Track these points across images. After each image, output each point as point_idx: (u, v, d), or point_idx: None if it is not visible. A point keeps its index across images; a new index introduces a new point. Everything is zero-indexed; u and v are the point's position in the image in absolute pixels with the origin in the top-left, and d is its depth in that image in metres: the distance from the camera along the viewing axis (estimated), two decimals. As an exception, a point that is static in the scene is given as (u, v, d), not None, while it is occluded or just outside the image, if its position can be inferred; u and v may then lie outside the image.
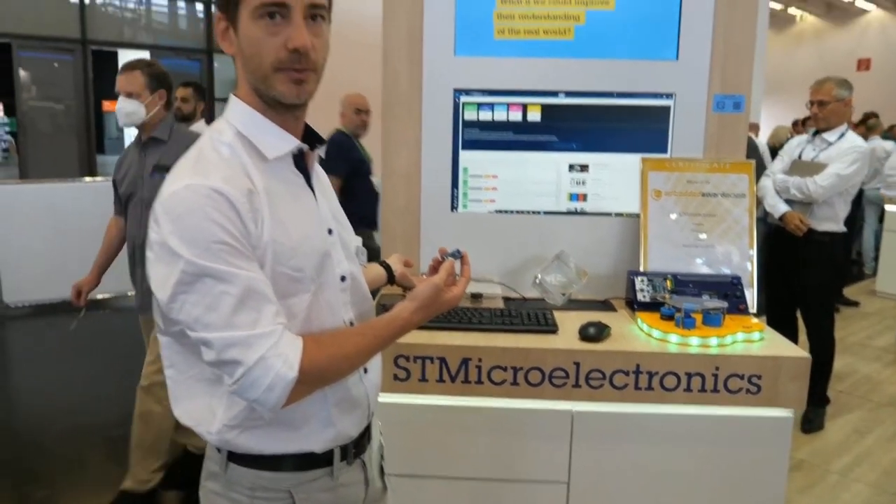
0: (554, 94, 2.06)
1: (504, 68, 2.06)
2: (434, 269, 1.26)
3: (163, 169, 2.33)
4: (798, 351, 1.74)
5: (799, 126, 7.56)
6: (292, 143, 1.09)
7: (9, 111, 17.39)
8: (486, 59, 2.06)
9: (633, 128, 2.07)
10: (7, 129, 17.81)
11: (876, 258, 6.43)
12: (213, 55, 9.77)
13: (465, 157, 2.11)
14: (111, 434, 3.24)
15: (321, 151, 1.19)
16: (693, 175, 2.05)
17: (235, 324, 0.95)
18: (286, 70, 1.02)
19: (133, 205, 2.53)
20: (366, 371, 1.21)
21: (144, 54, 10.40)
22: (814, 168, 3.31)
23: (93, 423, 3.39)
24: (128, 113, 2.45)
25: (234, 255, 0.96)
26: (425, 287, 1.14)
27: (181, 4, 9.70)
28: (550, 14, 2.02)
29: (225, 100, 7.53)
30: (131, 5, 9.28)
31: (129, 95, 2.45)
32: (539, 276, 2.00)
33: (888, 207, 5.88)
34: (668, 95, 2.04)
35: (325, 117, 2.34)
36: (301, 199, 1.11)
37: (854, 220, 5.72)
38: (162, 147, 2.46)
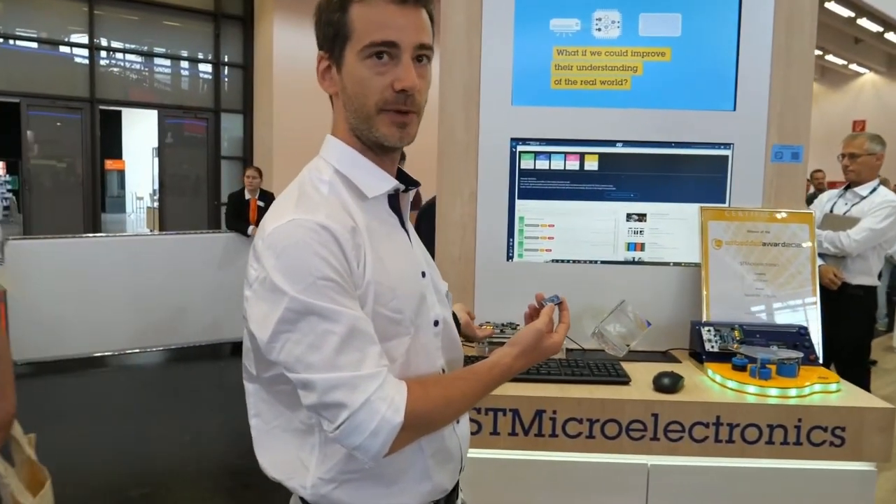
0: (612, 143, 2.07)
1: (561, 118, 2.07)
2: (531, 315, 1.24)
3: None
4: (881, 402, 1.70)
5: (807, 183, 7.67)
6: (390, 182, 1.07)
7: (12, 169, 17.49)
8: (543, 108, 2.07)
9: (691, 177, 2.07)
10: (9, 186, 17.90)
11: (889, 314, 6.43)
12: (220, 114, 9.90)
13: (522, 206, 2.10)
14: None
15: (412, 193, 1.17)
16: (753, 224, 2.04)
17: (340, 364, 0.90)
18: (389, 111, 1.01)
19: None
20: (458, 422, 1.17)
21: (153, 113, 10.55)
22: (846, 222, 3.32)
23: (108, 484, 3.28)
24: None
25: (339, 293, 0.93)
26: (527, 332, 1.10)
27: (196, 66, 9.86)
28: (608, 65, 2.05)
29: (231, 158, 7.63)
30: (139, 66, 9.43)
31: None
32: (599, 326, 1.96)
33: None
34: (727, 145, 2.05)
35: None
36: (396, 240, 1.09)
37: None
38: None
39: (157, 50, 9.48)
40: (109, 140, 16.36)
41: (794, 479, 1.68)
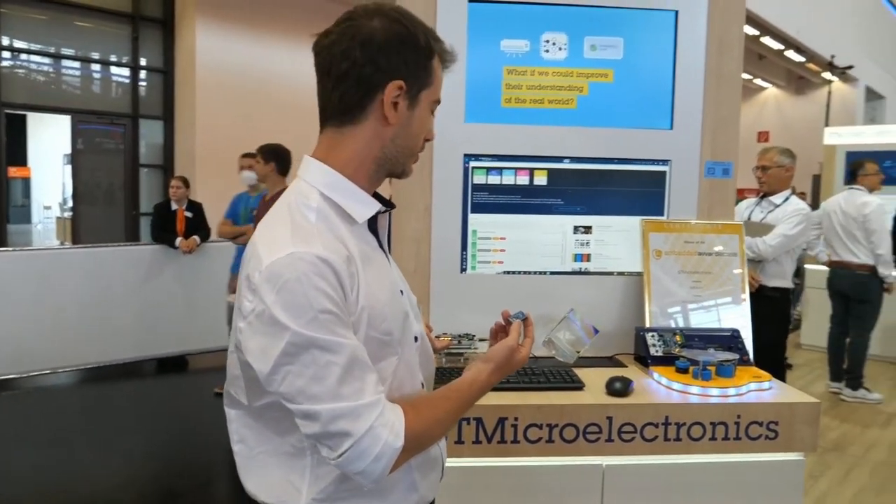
0: (559, 159, 2.17)
1: (512, 135, 2.15)
2: (496, 332, 1.30)
3: None
4: (808, 397, 1.86)
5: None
6: (375, 206, 1.11)
7: None
8: (494, 125, 2.15)
9: (633, 192, 2.20)
10: None
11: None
12: (138, 120, 9.55)
13: (474, 219, 2.17)
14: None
15: (388, 215, 1.22)
16: (689, 235, 2.18)
17: (342, 395, 0.94)
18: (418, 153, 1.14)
19: None
20: None
21: (64, 118, 10.05)
22: (763, 229, 3.57)
23: None
24: None
25: (338, 324, 0.96)
26: (500, 349, 1.17)
27: (110, 70, 9.48)
28: (555, 85, 2.15)
29: (150, 166, 7.37)
30: (49, 69, 8.98)
31: None
32: (550, 335, 2.05)
33: (808, 266, 6.36)
34: (665, 162, 2.19)
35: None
36: (378, 262, 1.12)
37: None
38: None
39: (69, 52, 9.05)
40: (13, 146, 15.43)
41: (735, 472, 1.82)
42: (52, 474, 3.54)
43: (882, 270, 4.71)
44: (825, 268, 5.18)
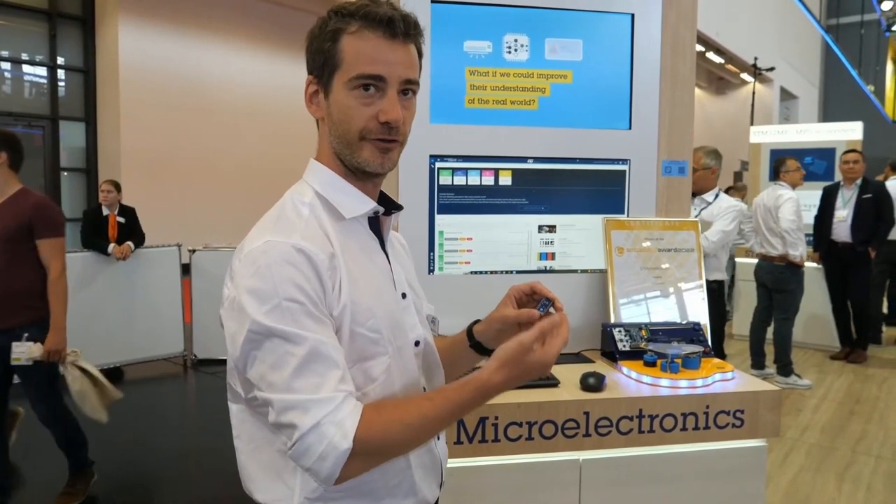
0: (523, 160, 2.19)
1: (476, 135, 2.16)
2: (521, 325, 1.18)
3: None
4: (769, 385, 1.94)
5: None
6: (369, 204, 1.11)
7: None
8: (459, 126, 2.15)
9: (595, 191, 2.25)
10: None
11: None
12: (58, 122, 9.10)
13: (441, 220, 2.17)
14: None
15: (396, 218, 1.20)
16: (650, 233, 2.25)
17: (295, 387, 0.93)
18: (373, 140, 1.04)
19: None
20: (437, 438, 1.20)
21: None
22: (703, 226, 3.72)
23: None
24: None
25: (305, 315, 0.95)
26: (510, 344, 1.01)
27: (25, 69, 8.98)
28: (518, 86, 2.17)
29: (73, 170, 7.07)
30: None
31: None
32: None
33: (738, 259, 6.64)
34: (624, 161, 2.25)
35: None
36: (375, 261, 1.12)
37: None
38: None
39: (-21, 50, 8.56)
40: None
41: (704, 460, 1.88)
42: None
43: (791, 252, 4.92)
44: (754, 260, 5.42)
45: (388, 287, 1.12)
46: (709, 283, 3.74)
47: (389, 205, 1.16)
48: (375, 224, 1.14)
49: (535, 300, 1.21)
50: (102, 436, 4.19)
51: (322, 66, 1.05)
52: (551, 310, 1.14)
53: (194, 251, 5.71)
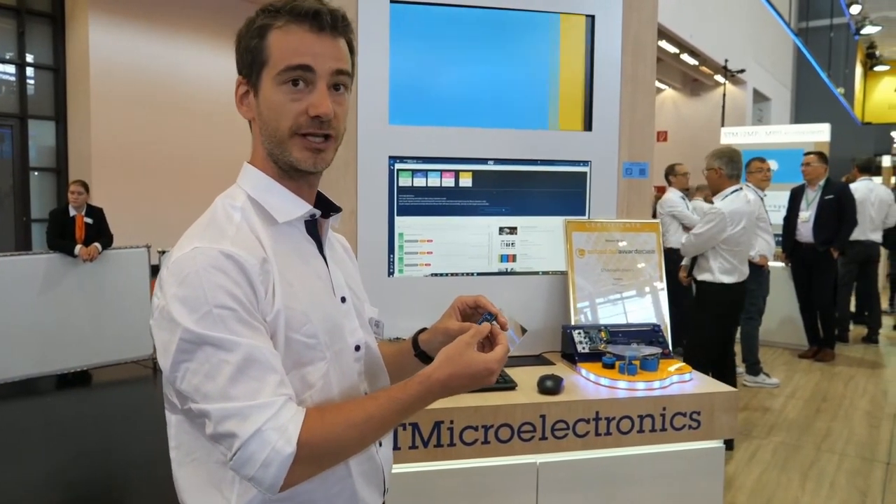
0: (484, 161, 2.18)
1: (436, 136, 2.15)
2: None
3: None
4: (726, 386, 1.95)
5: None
6: (304, 208, 1.09)
7: None
8: (418, 127, 2.14)
9: (556, 192, 2.25)
10: None
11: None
12: (27, 121, 8.93)
13: (401, 222, 2.15)
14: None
15: (335, 221, 1.18)
16: (610, 234, 2.25)
17: (232, 395, 0.91)
18: (303, 136, 1.03)
19: None
20: (380, 444, 1.19)
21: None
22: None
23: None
24: None
25: (238, 322, 0.93)
26: (454, 342, 1.04)
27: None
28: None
29: (42, 169, 6.94)
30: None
31: None
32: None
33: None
34: (585, 163, 2.25)
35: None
36: (311, 265, 1.10)
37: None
38: None
39: (-55, 48, 8.38)
40: None
41: (661, 461, 1.89)
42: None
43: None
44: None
45: (325, 291, 1.10)
46: (698, 282, 3.80)
47: (328, 207, 1.14)
48: (313, 227, 1.12)
49: (479, 313, 1.20)
50: (69, 441, 4.13)
51: (250, 64, 1.03)
52: (494, 323, 1.13)
53: (163, 252, 5.64)
